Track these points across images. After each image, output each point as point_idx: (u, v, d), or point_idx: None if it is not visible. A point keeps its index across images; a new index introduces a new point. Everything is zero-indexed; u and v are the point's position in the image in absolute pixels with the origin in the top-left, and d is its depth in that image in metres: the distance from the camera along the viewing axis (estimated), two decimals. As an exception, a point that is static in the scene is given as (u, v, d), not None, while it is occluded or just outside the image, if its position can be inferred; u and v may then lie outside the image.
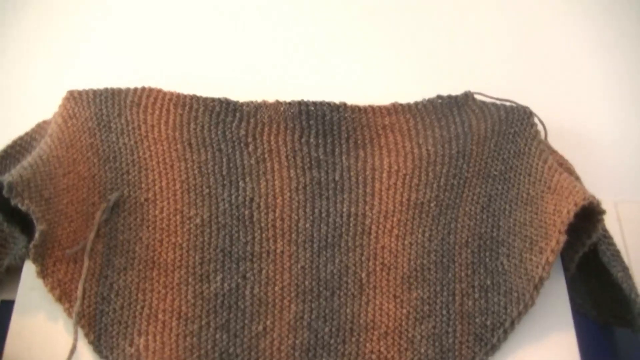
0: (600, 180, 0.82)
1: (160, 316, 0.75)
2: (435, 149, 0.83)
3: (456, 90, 0.88)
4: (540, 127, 0.86)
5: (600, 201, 0.75)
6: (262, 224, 0.79)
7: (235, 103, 0.85)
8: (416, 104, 0.87)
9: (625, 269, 0.79)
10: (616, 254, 0.80)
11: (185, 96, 0.85)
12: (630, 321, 0.79)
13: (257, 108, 0.84)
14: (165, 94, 0.86)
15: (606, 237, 0.80)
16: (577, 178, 0.83)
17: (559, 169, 0.80)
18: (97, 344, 0.74)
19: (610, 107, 0.97)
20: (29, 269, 0.78)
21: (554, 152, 0.85)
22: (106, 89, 0.86)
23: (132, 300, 0.76)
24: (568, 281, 0.79)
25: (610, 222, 0.81)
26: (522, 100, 0.87)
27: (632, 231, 0.87)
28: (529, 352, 0.76)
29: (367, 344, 0.75)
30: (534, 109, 0.86)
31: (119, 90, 0.86)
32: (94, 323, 0.75)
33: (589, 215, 0.75)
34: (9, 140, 0.86)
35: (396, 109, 0.86)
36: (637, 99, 0.96)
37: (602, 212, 0.75)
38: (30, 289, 0.77)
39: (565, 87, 0.98)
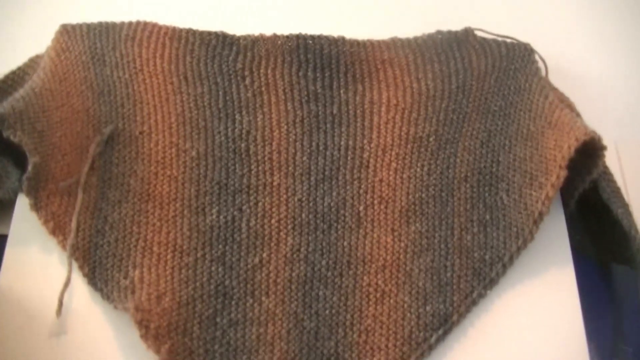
0: (600, 119, 0.80)
1: (155, 249, 0.74)
2: (434, 84, 0.82)
3: (456, 26, 0.86)
4: (541, 64, 0.85)
5: (601, 137, 0.74)
6: (259, 157, 0.79)
7: (232, 36, 0.83)
8: (416, 38, 0.85)
9: (625, 206, 0.78)
10: (616, 191, 0.79)
11: (181, 30, 0.84)
12: (629, 258, 0.79)
13: (254, 41, 0.83)
14: (160, 27, 0.84)
15: (606, 173, 0.79)
16: (578, 115, 0.82)
17: (560, 105, 0.79)
18: (91, 277, 0.73)
19: (611, 45, 0.95)
20: (22, 203, 0.77)
21: (554, 89, 0.85)
22: (100, 23, 0.85)
23: (126, 233, 0.75)
24: (568, 218, 0.79)
25: (610, 161, 0.80)
26: (523, 38, 0.86)
27: (632, 170, 0.86)
28: (528, 287, 0.76)
29: (365, 277, 0.74)
30: (535, 46, 0.85)
31: (114, 24, 0.85)
32: (88, 256, 0.74)
33: (589, 152, 0.74)
34: (1, 75, 0.84)
35: (395, 44, 0.85)
36: (638, 37, 0.95)
37: (603, 147, 0.74)
38: (24, 222, 0.77)
39: (565, 25, 0.97)
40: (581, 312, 0.74)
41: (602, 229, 0.81)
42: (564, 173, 0.73)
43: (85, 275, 0.74)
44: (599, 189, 0.77)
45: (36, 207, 0.75)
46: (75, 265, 0.74)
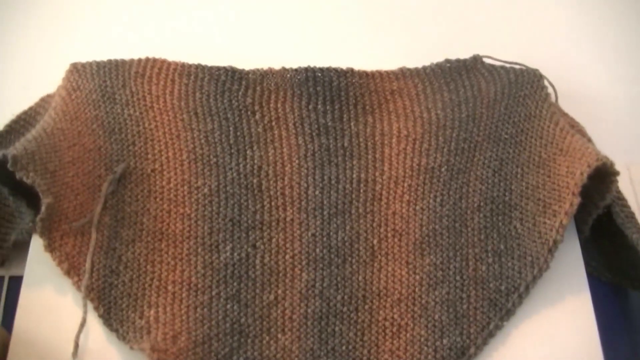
0: (612, 143, 0.80)
1: (169, 287, 0.74)
2: (444, 113, 0.82)
3: (465, 54, 0.86)
4: (550, 89, 0.85)
5: (614, 162, 0.74)
6: (271, 192, 0.78)
7: (241, 71, 0.84)
8: (424, 68, 0.85)
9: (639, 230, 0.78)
10: (630, 216, 0.78)
11: (190, 65, 0.84)
12: (645, 283, 0.79)
13: (264, 76, 0.83)
14: (169, 64, 0.85)
15: (620, 198, 0.78)
16: (589, 140, 0.82)
17: (571, 131, 0.78)
18: (106, 317, 0.73)
19: (621, 69, 0.95)
20: (36, 244, 0.77)
21: (565, 114, 0.84)
22: (109, 61, 0.85)
23: (141, 272, 0.75)
24: (582, 244, 0.78)
25: (623, 184, 0.79)
26: (532, 64, 0.85)
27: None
28: (545, 316, 0.75)
29: (381, 312, 0.74)
30: (544, 72, 0.85)
31: (123, 62, 0.85)
32: (103, 296, 0.74)
33: (602, 177, 0.74)
34: (13, 116, 0.85)
35: (404, 74, 0.85)
36: (649, 61, 0.95)
37: (616, 173, 0.74)
38: (38, 263, 0.77)
39: (575, 50, 0.97)
40: (599, 338, 0.73)
41: (617, 253, 0.80)
42: (577, 200, 0.72)
43: (100, 315, 0.74)
44: (613, 214, 0.76)
45: (50, 248, 0.75)
46: (90, 306, 0.74)
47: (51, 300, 0.75)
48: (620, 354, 0.80)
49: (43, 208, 0.74)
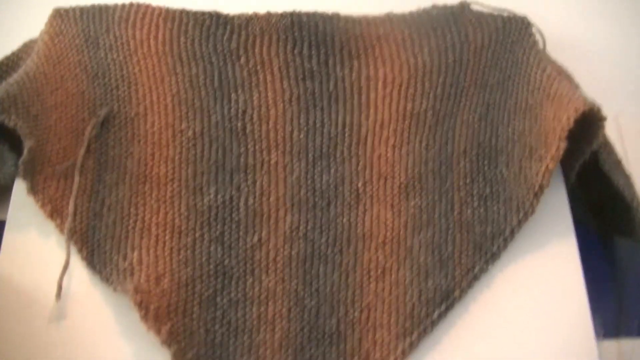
0: (600, 92, 0.79)
1: (153, 230, 0.74)
2: (431, 59, 0.81)
3: (452, 0, 0.85)
4: (538, 37, 0.84)
5: (601, 107, 0.73)
6: (256, 136, 0.78)
7: (226, 16, 0.83)
8: (411, 14, 0.85)
9: (627, 177, 0.78)
10: (617, 163, 0.79)
11: (174, 10, 0.83)
12: (631, 230, 0.78)
13: (248, 20, 0.82)
14: (154, 9, 0.83)
15: (607, 145, 0.78)
16: (577, 86, 0.81)
17: (558, 77, 0.78)
18: (90, 260, 0.73)
19: (610, 17, 0.94)
20: (19, 188, 0.76)
21: (552, 62, 0.84)
22: (93, 6, 0.84)
23: (124, 215, 0.74)
24: (569, 190, 0.78)
25: (611, 134, 0.79)
26: (520, 11, 0.85)
27: (633, 143, 0.85)
28: (530, 260, 0.75)
29: (365, 254, 0.73)
30: (532, 19, 0.84)
31: (107, 7, 0.84)
32: (87, 239, 0.73)
33: (589, 123, 0.73)
34: (-5, 61, 0.84)
35: (390, 19, 0.84)
36: (638, 8, 0.94)
37: (603, 118, 0.73)
38: (21, 207, 0.76)
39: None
40: (584, 285, 0.73)
41: (604, 201, 0.80)
42: (563, 144, 0.72)
43: (84, 258, 0.73)
44: (600, 160, 0.76)
45: (33, 190, 0.74)
46: (73, 248, 0.73)
47: (34, 244, 0.75)
48: (606, 299, 0.80)
49: (25, 151, 0.73)
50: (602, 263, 0.83)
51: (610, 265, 0.83)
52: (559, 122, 0.73)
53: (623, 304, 0.81)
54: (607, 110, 0.73)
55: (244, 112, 0.79)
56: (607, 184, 0.77)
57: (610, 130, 0.78)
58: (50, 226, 0.75)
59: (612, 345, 0.77)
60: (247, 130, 0.78)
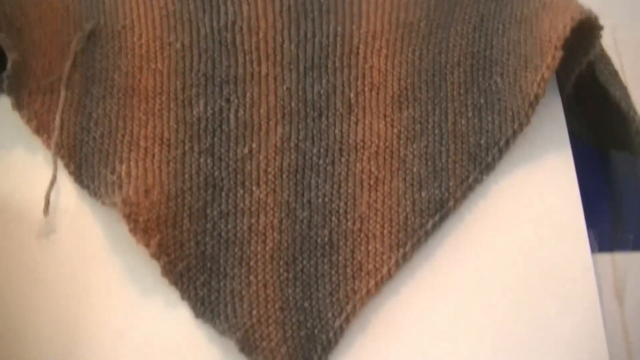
0: (596, 3, 0.77)
1: (141, 143, 0.72)
2: (424, -31, 0.80)
3: None
4: (533, -52, 0.82)
5: (598, 16, 0.72)
6: (245, 47, 0.76)
7: None
8: None
9: (623, 88, 0.76)
10: (614, 73, 0.77)
11: None
12: (628, 142, 0.77)
13: None
14: None
15: (603, 56, 0.77)
16: (572, -5, 0.80)
17: (554, -13, 0.76)
18: (77, 174, 0.72)
19: None
20: (3, 103, 0.74)
21: (548, -28, 0.82)
22: None
23: (112, 128, 0.73)
24: (564, 101, 0.77)
25: (607, 46, 0.78)
26: None
27: (629, 55, 0.84)
28: (526, 171, 0.74)
29: (357, 164, 0.72)
30: None
31: None
32: (74, 153, 0.72)
33: (585, 33, 0.72)
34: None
35: None
36: None
37: (600, 27, 0.72)
38: (6, 123, 0.75)
39: None
40: (580, 198, 0.72)
41: (600, 113, 0.79)
42: (559, 54, 0.71)
43: (71, 173, 0.72)
44: (596, 71, 0.75)
45: (18, 105, 0.73)
46: (60, 163, 0.72)
47: (21, 160, 0.74)
48: (602, 213, 0.79)
49: (9, 65, 0.72)
50: (598, 177, 0.82)
51: (606, 179, 0.82)
52: (555, 31, 0.71)
53: (618, 218, 0.80)
54: (603, 21, 0.72)
55: (234, 23, 0.77)
56: (604, 96, 0.75)
57: (607, 43, 0.76)
58: (36, 142, 0.74)
59: (606, 258, 0.76)
60: (237, 42, 0.76)
